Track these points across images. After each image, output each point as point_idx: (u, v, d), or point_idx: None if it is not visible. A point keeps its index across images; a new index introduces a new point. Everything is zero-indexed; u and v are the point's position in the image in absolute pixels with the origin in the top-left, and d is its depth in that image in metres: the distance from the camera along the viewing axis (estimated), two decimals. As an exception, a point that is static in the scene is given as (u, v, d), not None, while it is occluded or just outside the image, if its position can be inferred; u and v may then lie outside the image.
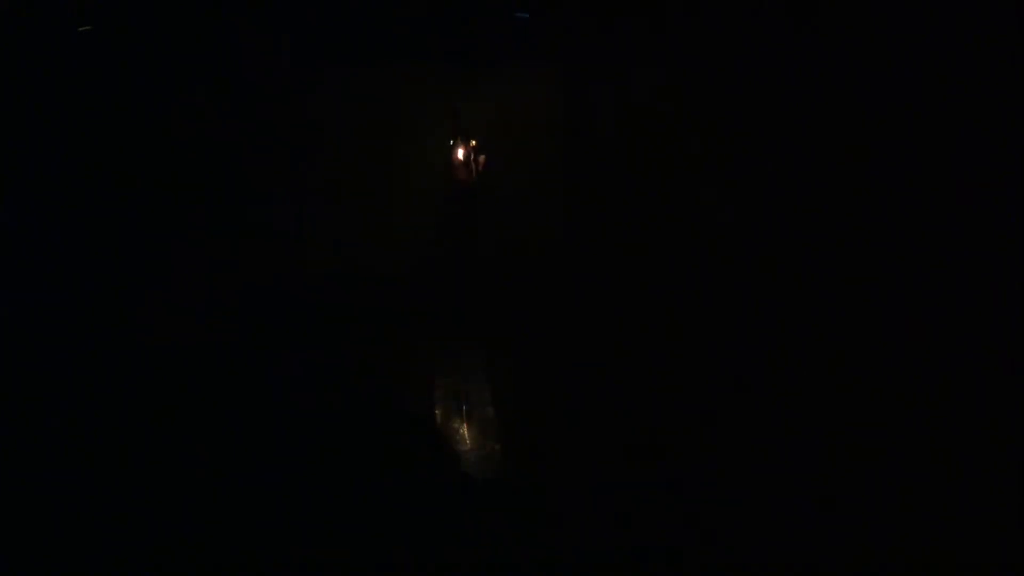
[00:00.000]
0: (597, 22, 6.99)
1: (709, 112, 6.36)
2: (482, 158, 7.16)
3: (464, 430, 4.38)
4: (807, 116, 5.43)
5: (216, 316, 6.03)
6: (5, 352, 5.34)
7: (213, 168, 7.00)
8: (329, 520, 3.36)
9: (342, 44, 7.33)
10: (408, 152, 7.44)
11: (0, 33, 6.13)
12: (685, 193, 6.52)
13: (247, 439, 4.16)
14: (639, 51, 6.81)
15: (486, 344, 5.89)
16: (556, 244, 7.26)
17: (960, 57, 4.31)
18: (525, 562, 3.06)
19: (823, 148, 5.31)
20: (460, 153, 7.16)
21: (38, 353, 5.31)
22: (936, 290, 4.39)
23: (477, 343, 5.97)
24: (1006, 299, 3.97)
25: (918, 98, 4.61)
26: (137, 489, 3.62)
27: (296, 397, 4.70)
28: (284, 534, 3.26)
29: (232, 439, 4.17)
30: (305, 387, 4.88)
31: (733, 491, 3.52)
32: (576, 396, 4.68)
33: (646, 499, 3.48)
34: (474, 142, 7.17)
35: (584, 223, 7.19)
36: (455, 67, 7.47)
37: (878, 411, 4.11)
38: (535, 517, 3.39)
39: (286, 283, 6.80)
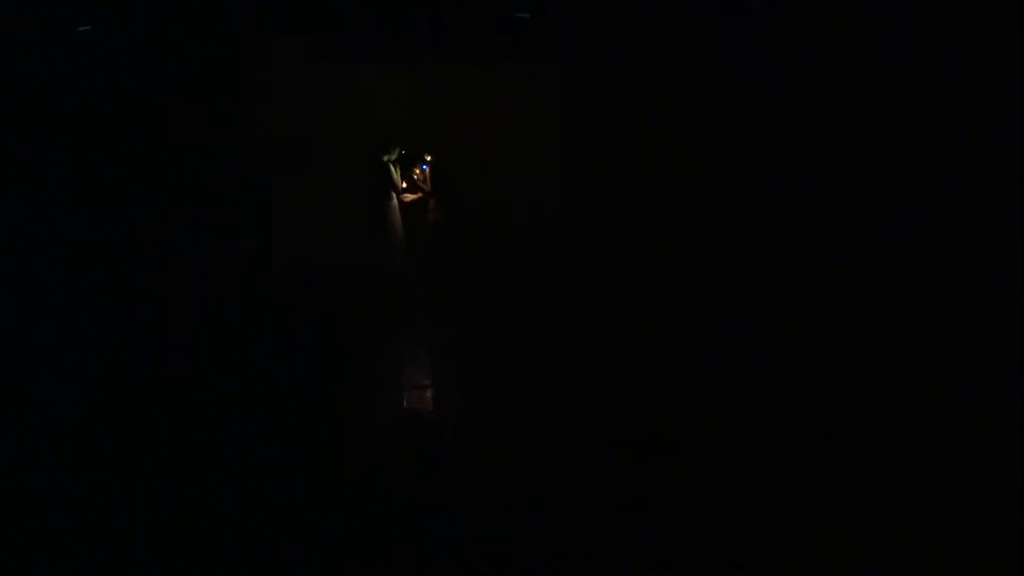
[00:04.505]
0: (597, 22, 6.99)
1: (709, 112, 6.36)
2: (427, 171, 7.22)
3: (461, 428, 4.38)
4: (806, 114, 5.42)
5: (212, 314, 6.04)
6: (3, 351, 5.34)
7: (212, 168, 7.01)
8: (325, 519, 3.36)
9: (342, 44, 7.35)
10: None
11: (0, 33, 6.14)
12: (685, 193, 6.52)
13: (243, 438, 4.16)
14: (639, 51, 6.81)
15: (484, 340, 5.89)
16: (556, 243, 7.26)
17: (959, 55, 4.31)
18: (522, 561, 3.06)
19: (823, 146, 5.30)
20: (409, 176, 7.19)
21: (35, 352, 5.32)
22: (936, 289, 4.39)
23: (475, 338, 5.97)
24: (1006, 299, 3.96)
25: (920, 97, 4.60)
26: (133, 489, 3.63)
27: (289, 395, 4.71)
28: (280, 533, 3.26)
29: (227, 438, 4.17)
30: (299, 385, 4.88)
31: (732, 490, 3.52)
32: (574, 394, 4.68)
33: (645, 498, 3.48)
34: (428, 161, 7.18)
35: (584, 223, 7.19)
36: (455, 66, 7.49)
37: (878, 411, 4.10)
38: (533, 514, 3.39)
39: (283, 282, 6.81)
